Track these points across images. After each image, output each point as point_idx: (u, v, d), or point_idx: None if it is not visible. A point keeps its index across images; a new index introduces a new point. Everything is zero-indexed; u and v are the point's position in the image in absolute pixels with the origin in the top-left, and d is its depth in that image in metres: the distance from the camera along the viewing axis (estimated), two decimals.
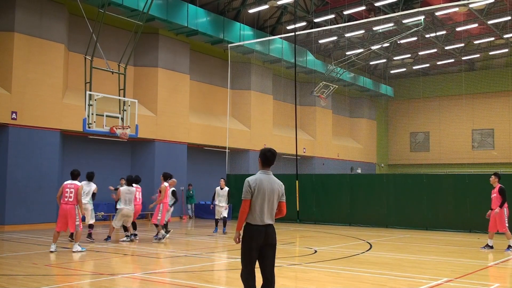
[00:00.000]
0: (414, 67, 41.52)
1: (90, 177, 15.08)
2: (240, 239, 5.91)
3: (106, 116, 17.23)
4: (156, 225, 15.18)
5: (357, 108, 42.91)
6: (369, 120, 43.74)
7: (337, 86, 33.99)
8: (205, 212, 25.65)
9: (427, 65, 40.87)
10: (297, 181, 22.31)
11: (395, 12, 27.19)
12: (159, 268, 10.59)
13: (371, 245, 14.40)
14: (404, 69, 42.27)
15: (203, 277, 9.44)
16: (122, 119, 17.82)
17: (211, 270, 10.42)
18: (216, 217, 18.12)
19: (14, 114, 18.86)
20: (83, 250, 12.59)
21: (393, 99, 44.94)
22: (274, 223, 5.99)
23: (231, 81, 27.65)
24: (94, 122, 16.68)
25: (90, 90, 16.93)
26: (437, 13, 29.50)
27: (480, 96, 40.42)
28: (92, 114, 16.66)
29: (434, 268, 10.41)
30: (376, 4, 27.64)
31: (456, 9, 27.79)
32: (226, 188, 18.05)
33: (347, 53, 34.60)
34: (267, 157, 6.10)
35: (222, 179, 18.55)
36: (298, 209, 22.35)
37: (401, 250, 13.80)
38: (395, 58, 39.56)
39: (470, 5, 26.26)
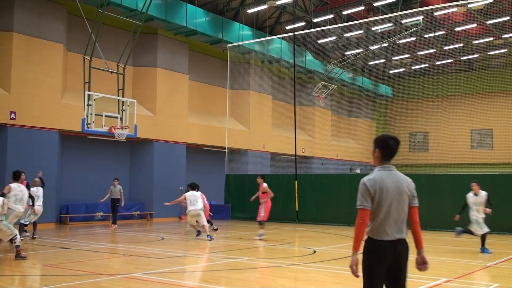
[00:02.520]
0: (413, 67, 41.55)
1: (193, 187, 15.84)
2: (359, 267, 4.31)
3: (105, 116, 17.23)
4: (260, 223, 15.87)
5: (356, 108, 42.93)
6: (368, 120, 43.77)
7: (336, 86, 34.02)
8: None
9: (426, 65, 40.91)
10: (296, 181, 22.32)
11: (394, 12, 27.21)
12: (157, 268, 10.58)
13: None
14: (403, 69, 42.28)
15: (202, 277, 9.44)
16: (121, 119, 17.82)
17: (210, 270, 10.42)
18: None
19: (13, 114, 18.85)
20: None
21: (392, 99, 44.96)
22: (406, 237, 4.48)
23: (230, 81, 27.65)
24: (93, 122, 16.67)
25: (89, 90, 16.93)
26: (436, 13, 29.51)
27: (479, 96, 40.42)
28: (91, 114, 16.66)
29: (433, 268, 10.39)
30: (375, 4, 27.67)
31: (455, 9, 27.82)
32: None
33: (346, 53, 34.63)
34: (390, 147, 4.49)
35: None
36: (297, 209, 22.35)
37: None
38: (394, 58, 39.60)
39: (469, 5, 26.28)
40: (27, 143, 19.23)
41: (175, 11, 23.80)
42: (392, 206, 4.33)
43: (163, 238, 16.51)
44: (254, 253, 13.02)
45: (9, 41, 19.08)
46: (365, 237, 4.37)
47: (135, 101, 18.62)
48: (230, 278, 9.49)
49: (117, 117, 17.79)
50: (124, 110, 17.90)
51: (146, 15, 18.89)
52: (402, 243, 4.40)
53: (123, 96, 18.35)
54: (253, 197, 17.34)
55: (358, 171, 36.10)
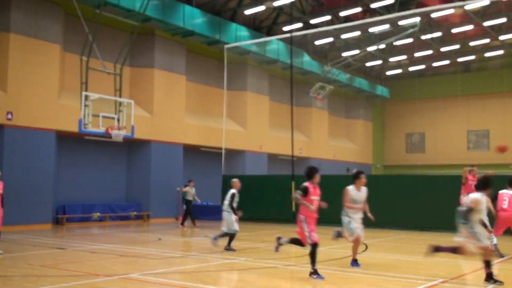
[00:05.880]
0: (410, 69, 41.64)
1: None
2: None
3: (102, 116, 17.20)
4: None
5: (353, 109, 42.96)
6: (365, 121, 43.81)
7: (333, 87, 34.02)
8: (201, 212, 25.63)
9: (423, 66, 41.00)
10: (293, 182, 22.32)
11: (390, 14, 27.24)
12: (154, 268, 10.59)
13: (366, 246, 14.42)
14: (400, 71, 42.40)
15: (199, 278, 9.44)
16: (118, 119, 17.81)
17: (207, 271, 10.42)
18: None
19: (9, 114, 18.82)
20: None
21: (389, 100, 45.03)
22: None
23: (227, 82, 27.63)
24: (90, 122, 16.67)
25: (86, 91, 16.93)
26: (433, 15, 29.57)
27: (475, 97, 40.65)
28: (88, 114, 16.64)
29: (429, 269, 10.44)
30: (372, 6, 27.70)
31: (452, 10, 27.87)
32: None
33: (343, 54, 34.66)
34: None
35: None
36: (294, 210, 22.33)
37: (396, 251, 13.83)
38: (391, 59, 39.63)
39: (465, 6, 26.34)
40: (23, 143, 19.19)
41: (172, 12, 23.78)
42: None
43: (160, 239, 16.50)
44: (251, 254, 13.03)
45: (6, 41, 19.05)
46: None
47: (132, 101, 18.59)
48: (228, 279, 9.50)
49: (114, 118, 17.77)
50: (121, 111, 17.89)
51: (143, 15, 18.90)
52: None
53: (120, 97, 18.35)
54: None
55: (354, 171, 36.12)
